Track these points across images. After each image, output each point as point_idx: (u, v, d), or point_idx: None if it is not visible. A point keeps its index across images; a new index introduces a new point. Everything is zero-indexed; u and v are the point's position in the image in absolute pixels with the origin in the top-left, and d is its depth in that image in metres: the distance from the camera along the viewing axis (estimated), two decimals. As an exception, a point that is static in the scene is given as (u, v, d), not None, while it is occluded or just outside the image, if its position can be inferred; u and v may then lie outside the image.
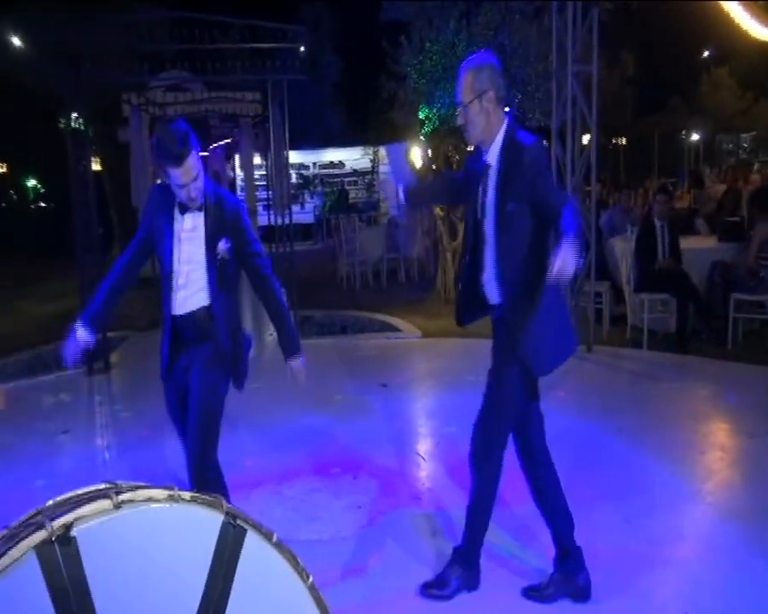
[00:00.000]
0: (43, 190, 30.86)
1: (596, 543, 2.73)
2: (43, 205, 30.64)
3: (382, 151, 17.07)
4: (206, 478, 2.37)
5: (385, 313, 7.48)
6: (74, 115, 6.14)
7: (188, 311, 2.53)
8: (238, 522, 0.91)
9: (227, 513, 0.90)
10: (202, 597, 0.85)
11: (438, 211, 8.30)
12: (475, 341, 6.55)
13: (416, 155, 7.69)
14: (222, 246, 2.49)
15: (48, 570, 0.75)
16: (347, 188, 16.94)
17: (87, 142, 6.29)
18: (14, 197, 31.08)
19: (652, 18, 18.43)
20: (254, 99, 9.73)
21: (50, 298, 9.46)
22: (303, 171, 16.81)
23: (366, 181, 16.74)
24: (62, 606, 0.76)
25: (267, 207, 12.59)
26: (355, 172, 17.06)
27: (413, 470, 3.72)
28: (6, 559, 0.74)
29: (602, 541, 2.82)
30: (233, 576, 0.87)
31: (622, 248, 6.54)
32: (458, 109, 2.40)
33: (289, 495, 3.48)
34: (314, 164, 17.17)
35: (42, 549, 0.76)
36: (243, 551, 0.89)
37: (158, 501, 0.86)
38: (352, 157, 17.28)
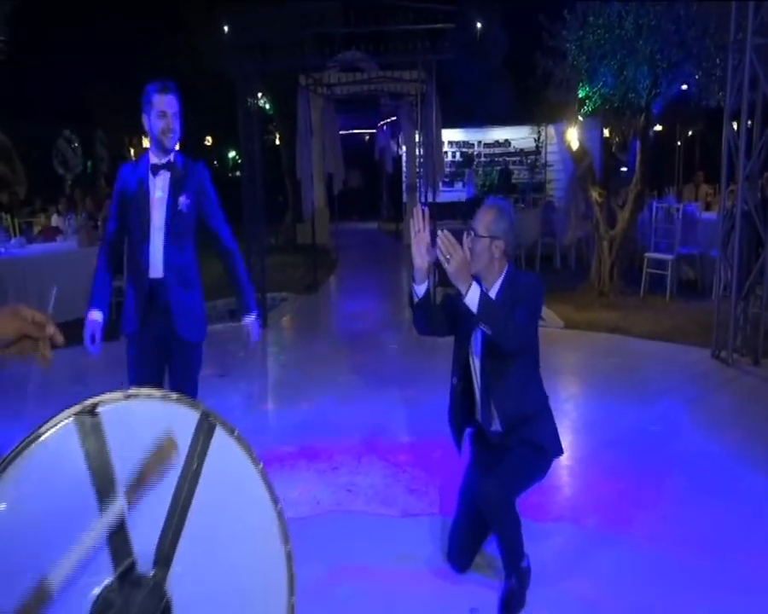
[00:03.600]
0: (239, 161, 34.29)
1: None
2: (238, 174, 34.22)
3: (551, 130, 16.36)
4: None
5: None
6: (257, 97, 6.81)
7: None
8: (210, 418, 1.28)
9: (203, 412, 1.28)
10: (181, 472, 1.23)
11: (596, 196, 7.86)
12: (618, 337, 6.18)
13: (573, 137, 7.34)
14: (182, 200, 2.72)
15: (82, 431, 1.16)
16: (511, 167, 16.55)
17: (256, 121, 6.95)
18: (217, 166, 35.42)
19: None
20: (412, 78, 9.90)
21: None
22: (466, 150, 16.71)
23: (529, 161, 16.19)
24: (91, 459, 1.16)
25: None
26: (521, 152, 16.57)
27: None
28: (54, 420, 1.15)
29: None
30: (204, 458, 1.26)
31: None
32: (469, 234, 2.48)
33: (388, 471, 3.71)
34: (478, 142, 16.98)
35: (78, 416, 1.17)
36: (213, 440, 1.25)
37: (155, 397, 1.26)
38: (518, 136, 16.80)
